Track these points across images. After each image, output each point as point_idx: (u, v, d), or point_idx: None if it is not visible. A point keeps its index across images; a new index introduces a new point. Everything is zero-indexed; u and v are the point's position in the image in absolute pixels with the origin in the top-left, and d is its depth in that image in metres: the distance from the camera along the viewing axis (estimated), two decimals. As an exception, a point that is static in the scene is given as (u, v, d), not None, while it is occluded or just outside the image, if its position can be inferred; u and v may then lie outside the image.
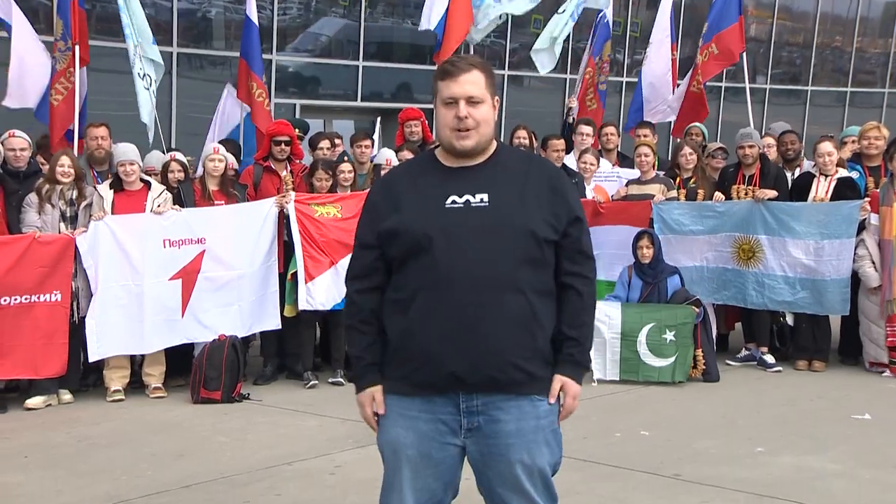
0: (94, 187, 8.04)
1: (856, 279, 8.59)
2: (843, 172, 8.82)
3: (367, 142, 9.49)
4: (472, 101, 3.28)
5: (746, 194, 8.88)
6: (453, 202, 3.28)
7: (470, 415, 3.28)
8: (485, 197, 3.27)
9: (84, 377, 8.15)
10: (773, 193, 8.73)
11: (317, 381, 8.26)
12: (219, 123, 10.48)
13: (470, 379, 3.23)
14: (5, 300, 7.44)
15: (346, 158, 9.01)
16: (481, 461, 3.33)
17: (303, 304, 8.10)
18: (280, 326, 8.33)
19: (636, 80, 12.62)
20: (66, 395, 7.79)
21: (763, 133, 10.57)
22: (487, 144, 3.36)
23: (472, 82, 3.29)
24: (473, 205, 3.27)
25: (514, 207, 3.28)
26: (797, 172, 9.39)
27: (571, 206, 3.36)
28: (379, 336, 3.39)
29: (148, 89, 9.40)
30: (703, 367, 8.38)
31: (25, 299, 7.50)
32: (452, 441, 3.31)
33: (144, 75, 9.40)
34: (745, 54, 11.26)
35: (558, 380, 3.32)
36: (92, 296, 7.74)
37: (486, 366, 3.22)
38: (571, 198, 3.40)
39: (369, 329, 3.40)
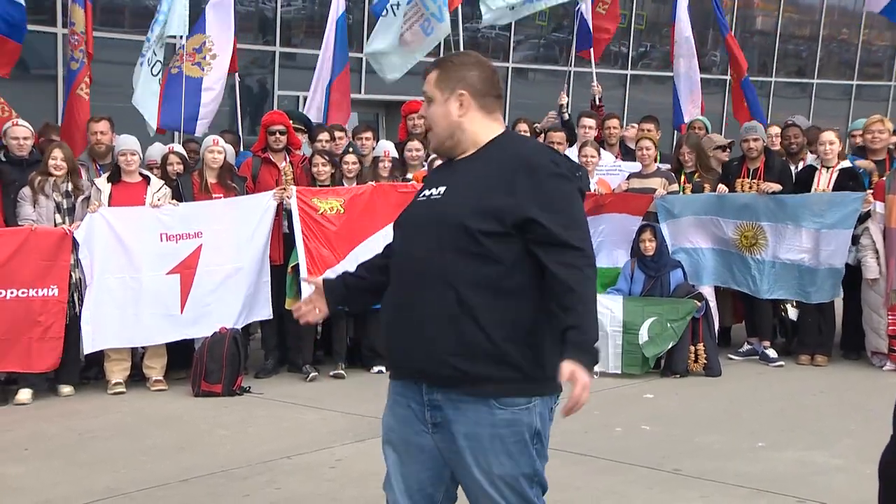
0: (93, 180, 8.04)
1: (860, 269, 8.56)
2: (844, 163, 8.79)
3: (369, 134, 9.49)
4: (426, 99, 3.34)
5: (751, 188, 8.86)
6: (424, 195, 3.32)
7: (433, 409, 3.22)
8: (443, 189, 3.25)
9: (85, 370, 8.16)
10: (777, 187, 8.71)
11: (317, 374, 8.26)
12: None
13: (406, 370, 3.28)
14: (1, 293, 7.44)
15: (350, 150, 9.00)
16: (448, 457, 3.24)
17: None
18: (272, 316, 8.34)
19: (641, 73, 12.63)
20: (66, 389, 7.79)
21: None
22: (453, 141, 3.30)
23: (427, 81, 3.33)
24: (433, 197, 3.27)
25: (456, 200, 3.19)
26: (801, 166, 9.36)
27: (537, 199, 3.12)
28: (362, 277, 3.57)
29: (156, 76, 9.43)
30: (705, 361, 8.38)
31: (22, 293, 7.51)
32: (423, 430, 3.25)
33: (155, 62, 9.42)
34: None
35: (566, 366, 3.04)
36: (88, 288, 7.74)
37: (416, 358, 3.21)
38: (540, 191, 3.13)
39: (360, 270, 3.60)
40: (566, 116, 11.01)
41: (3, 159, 7.95)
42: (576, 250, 3.15)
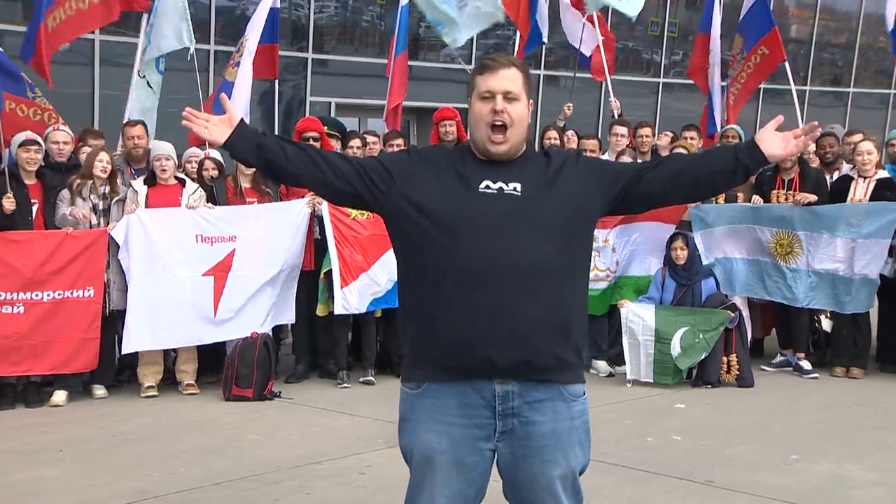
0: (130, 183, 8.12)
1: None
2: (882, 173, 8.71)
3: (400, 140, 9.54)
4: (508, 97, 3.26)
5: (786, 199, 8.81)
6: (487, 186, 3.26)
7: (505, 417, 3.25)
8: (517, 186, 3.26)
9: (118, 373, 8.24)
10: (812, 198, 8.64)
11: (349, 385, 8.29)
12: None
13: (501, 363, 3.20)
14: (37, 296, 7.54)
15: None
16: (513, 463, 3.30)
17: (339, 309, 8.12)
18: (294, 321, 8.39)
19: (673, 81, 12.60)
20: (100, 391, 7.88)
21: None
22: (520, 147, 3.33)
23: (510, 78, 3.27)
24: (506, 192, 3.25)
25: (543, 198, 3.26)
26: (836, 176, 9.28)
27: (598, 172, 3.40)
28: (281, 152, 3.33)
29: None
30: (738, 372, 8.33)
31: (59, 295, 7.61)
32: (485, 446, 3.28)
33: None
34: (785, 60, 11.25)
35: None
36: (126, 288, 7.81)
37: (518, 349, 3.19)
38: (592, 167, 3.43)
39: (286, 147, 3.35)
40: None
41: (43, 164, 8.04)
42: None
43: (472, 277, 3.18)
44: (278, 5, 10.45)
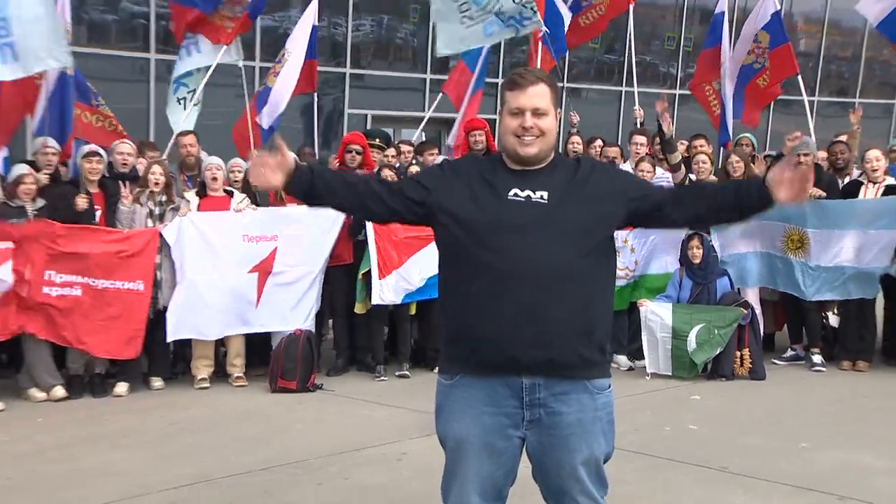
0: (182, 194, 8.24)
1: None
2: (890, 180, 8.71)
3: (434, 149, 9.63)
4: (537, 113, 3.28)
5: None
6: (515, 195, 3.28)
7: (532, 407, 3.28)
8: (544, 194, 3.27)
9: (173, 366, 8.32)
10: (822, 193, 8.64)
11: (385, 378, 8.34)
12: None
13: (526, 361, 3.23)
14: (94, 282, 7.66)
15: (414, 163, 9.13)
16: (540, 450, 3.33)
17: (376, 300, 8.21)
18: (313, 327, 8.34)
19: (689, 92, 12.53)
20: (158, 383, 7.98)
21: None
22: (549, 152, 3.36)
23: (538, 94, 3.28)
24: (534, 199, 3.27)
25: (573, 202, 3.27)
26: (847, 180, 9.26)
27: (632, 181, 3.46)
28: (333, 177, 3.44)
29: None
30: (750, 365, 8.33)
31: (111, 284, 7.70)
32: (514, 433, 3.32)
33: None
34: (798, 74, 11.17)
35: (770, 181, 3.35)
36: (175, 286, 7.90)
37: (544, 349, 3.21)
38: (629, 177, 3.54)
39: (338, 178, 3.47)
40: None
41: (107, 175, 8.18)
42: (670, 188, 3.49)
43: (499, 281, 3.20)
44: (317, 23, 10.48)
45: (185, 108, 9.83)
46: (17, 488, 5.55)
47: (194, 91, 9.81)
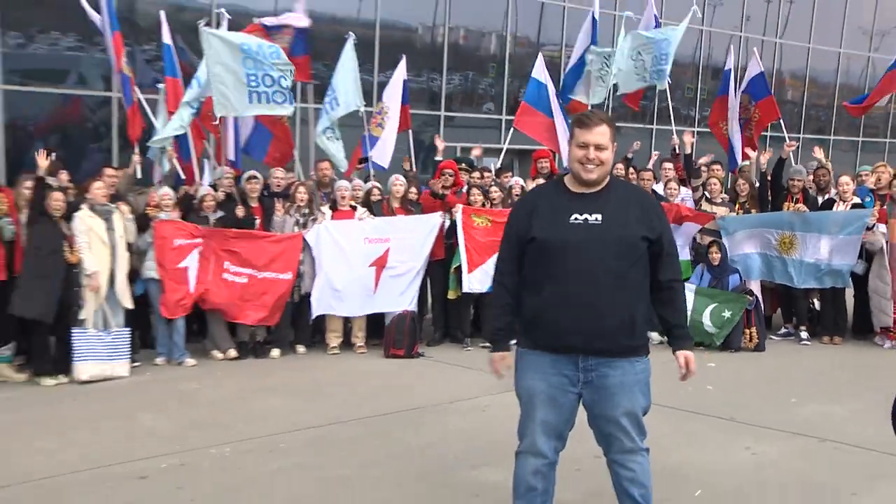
0: (319, 207, 8.36)
1: (865, 277, 8.43)
2: (856, 199, 8.67)
3: (509, 173, 9.56)
4: (599, 147, 3.28)
5: (790, 209, 8.82)
6: (575, 219, 3.28)
7: (586, 371, 3.30)
8: (599, 217, 3.27)
9: (312, 336, 8.38)
10: (805, 208, 8.70)
11: (471, 349, 8.32)
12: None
13: (583, 348, 3.26)
14: (256, 273, 7.78)
15: (492, 183, 9.15)
16: (592, 405, 3.34)
17: (466, 289, 8.19)
18: (416, 308, 8.26)
19: (704, 130, 12.26)
20: (301, 349, 8.07)
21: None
22: (605, 177, 3.35)
23: (601, 133, 3.29)
24: (590, 222, 3.27)
25: (620, 224, 3.27)
26: (826, 198, 9.04)
27: (659, 219, 3.38)
28: (513, 316, 3.43)
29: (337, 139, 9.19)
30: (757, 340, 8.18)
31: (268, 274, 7.82)
32: (572, 390, 3.33)
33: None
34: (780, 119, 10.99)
35: (681, 355, 3.40)
36: (314, 276, 7.96)
37: (597, 339, 3.24)
38: (658, 214, 3.39)
39: (507, 311, 3.45)
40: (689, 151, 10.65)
41: (266, 193, 8.35)
42: (676, 257, 3.42)
43: (562, 285, 3.24)
44: (406, 77, 9.93)
45: (333, 143, 9.41)
46: (208, 423, 5.72)
47: (333, 128, 9.51)
